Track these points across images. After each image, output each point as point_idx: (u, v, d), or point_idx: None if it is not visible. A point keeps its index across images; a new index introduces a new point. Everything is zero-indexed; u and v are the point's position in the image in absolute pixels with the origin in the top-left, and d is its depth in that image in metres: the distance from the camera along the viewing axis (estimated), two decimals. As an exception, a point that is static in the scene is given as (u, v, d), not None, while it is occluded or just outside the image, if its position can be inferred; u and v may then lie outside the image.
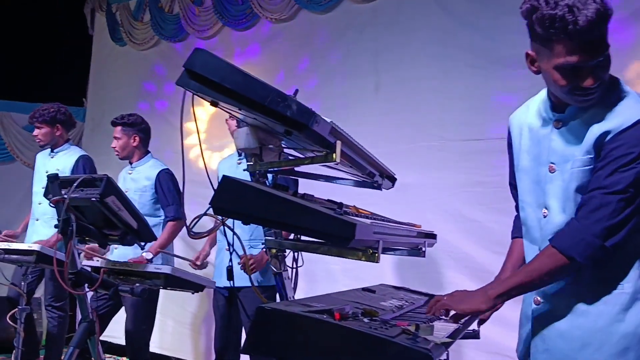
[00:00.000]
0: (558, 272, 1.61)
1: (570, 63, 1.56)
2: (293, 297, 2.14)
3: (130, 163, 4.05)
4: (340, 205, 1.56)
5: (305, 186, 4.39)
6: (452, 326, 1.71)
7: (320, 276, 4.43)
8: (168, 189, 3.84)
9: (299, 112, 1.57)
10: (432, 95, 4.22)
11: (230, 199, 1.56)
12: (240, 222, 3.23)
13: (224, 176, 1.57)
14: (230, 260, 2.06)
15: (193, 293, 3.12)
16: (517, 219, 1.96)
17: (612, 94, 1.63)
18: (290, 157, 2.07)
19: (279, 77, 5.10)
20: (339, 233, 1.48)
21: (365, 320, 1.55)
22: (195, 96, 1.76)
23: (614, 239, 1.54)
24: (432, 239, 2.44)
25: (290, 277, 2.15)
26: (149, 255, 3.53)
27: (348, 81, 4.67)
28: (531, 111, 1.82)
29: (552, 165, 1.70)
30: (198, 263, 3.63)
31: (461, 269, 3.91)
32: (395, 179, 2.57)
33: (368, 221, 1.63)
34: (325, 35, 4.84)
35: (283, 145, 2.18)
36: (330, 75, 4.79)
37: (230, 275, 2.00)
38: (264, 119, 1.64)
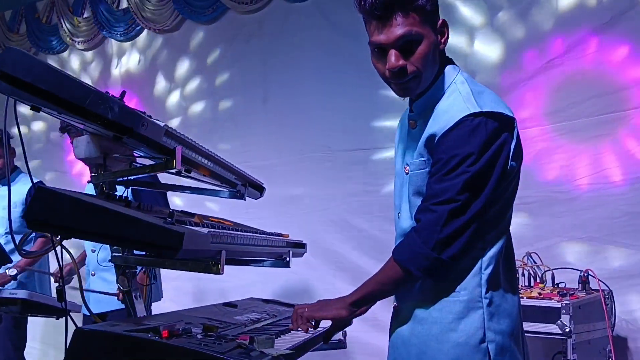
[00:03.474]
0: (399, 283, 1.55)
1: (374, 42, 1.50)
2: (148, 315, 2.00)
3: None
4: (172, 214, 1.44)
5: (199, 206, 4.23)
6: (300, 338, 1.63)
7: (212, 294, 4.30)
8: None
9: (122, 115, 1.45)
10: (319, 105, 4.21)
11: (45, 211, 1.41)
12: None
13: (37, 187, 1.43)
14: (61, 280, 1.88)
15: (57, 319, 2.90)
16: None
17: (448, 92, 1.56)
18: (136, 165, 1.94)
19: (162, 89, 4.94)
20: (164, 243, 1.37)
21: (199, 336, 1.44)
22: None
23: (449, 251, 1.45)
24: (300, 248, 2.37)
25: (143, 295, 2.01)
26: (13, 272, 3.27)
27: (236, 92, 4.59)
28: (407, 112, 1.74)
29: (406, 166, 1.63)
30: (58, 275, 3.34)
31: (349, 279, 3.86)
32: (264, 188, 2.48)
33: (205, 230, 1.52)
34: (211, 46, 4.73)
35: (137, 155, 2.05)
36: (217, 86, 4.69)
37: (60, 297, 1.84)
38: (87, 124, 1.50)
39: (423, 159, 1.54)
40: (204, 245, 1.49)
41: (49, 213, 1.40)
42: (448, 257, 1.45)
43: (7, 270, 3.33)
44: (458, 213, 1.44)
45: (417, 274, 1.48)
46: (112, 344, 1.34)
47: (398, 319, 1.62)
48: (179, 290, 4.44)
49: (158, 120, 1.60)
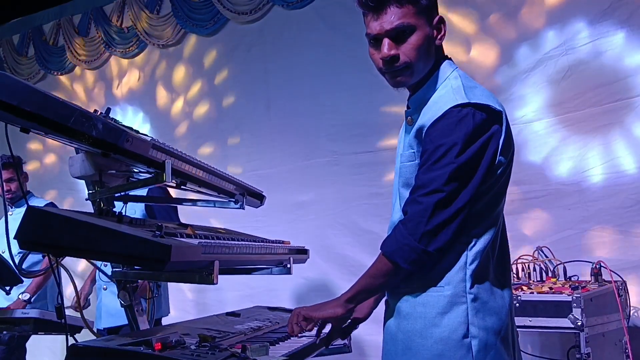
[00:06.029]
0: (390, 277, 1.52)
1: (370, 34, 1.53)
2: (151, 328, 2.01)
3: (11, 205, 3.86)
4: (160, 227, 1.45)
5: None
6: (299, 344, 1.63)
7: (215, 304, 4.32)
8: None
9: (106, 131, 1.47)
10: (323, 110, 4.21)
11: (36, 230, 1.43)
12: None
13: (28, 207, 1.44)
14: (61, 297, 1.90)
15: (71, 335, 2.93)
16: None
17: (441, 87, 1.56)
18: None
19: (168, 104, 4.99)
20: (153, 256, 1.37)
21: (193, 347, 1.45)
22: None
23: (435, 243, 1.44)
24: (302, 254, 2.37)
25: (146, 308, 2.03)
26: (26, 296, 3.33)
27: (240, 102, 4.62)
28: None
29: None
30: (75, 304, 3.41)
31: (361, 283, 3.86)
32: (264, 196, 2.49)
33: (195, 241, 1.53)
34: (214, 58, 4.77)
35: (136, 170, 2.07)
36: (221, 97, 4.72)
37: (60, 314, 1.86)
38: (74, 143, 1.52)
39: (413, 150, 1.55)
40: (195, 257, 1.49)
41: (39, 232, 1.42)
42: (434, 249, 1.44)
43: (20, 296, 3.41)
44: (444, 205, 1.44)
45: (404, 266, 1.47)
46: (106, 358, 1.35)
47: (387, 313, 1.62)
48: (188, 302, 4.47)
49: (145, 134, 1.62)
